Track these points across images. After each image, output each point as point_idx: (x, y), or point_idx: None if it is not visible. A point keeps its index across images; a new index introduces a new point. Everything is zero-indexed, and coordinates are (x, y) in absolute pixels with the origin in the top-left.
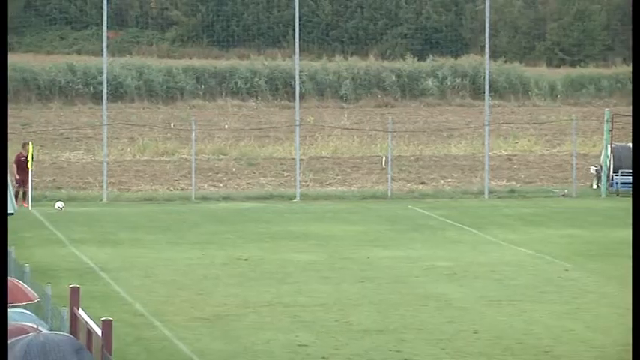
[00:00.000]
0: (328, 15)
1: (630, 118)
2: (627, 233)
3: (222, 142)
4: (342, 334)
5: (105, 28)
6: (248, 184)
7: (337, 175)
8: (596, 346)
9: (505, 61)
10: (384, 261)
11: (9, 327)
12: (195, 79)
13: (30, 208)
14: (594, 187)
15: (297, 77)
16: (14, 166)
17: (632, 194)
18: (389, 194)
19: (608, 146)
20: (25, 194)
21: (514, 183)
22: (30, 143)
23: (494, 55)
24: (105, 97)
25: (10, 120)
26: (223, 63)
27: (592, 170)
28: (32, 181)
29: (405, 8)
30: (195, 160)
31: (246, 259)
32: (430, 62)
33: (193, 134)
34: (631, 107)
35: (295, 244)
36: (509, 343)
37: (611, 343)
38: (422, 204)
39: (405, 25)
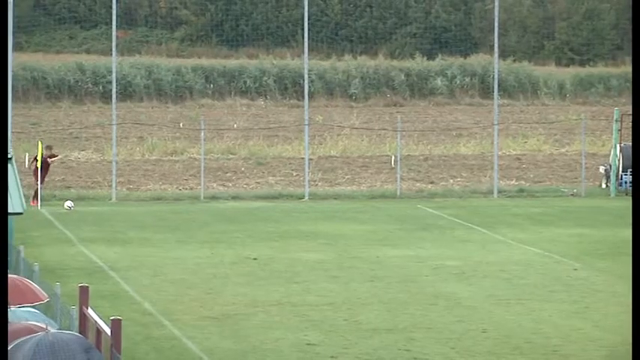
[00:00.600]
0: (337, 14)
1: None
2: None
3: (231, 142)
4: (351, 334)
5: (114, 27)
6: (257, 183)
7: (346, 175)
8: (605, 346)
9: (514, 61)
10: (393, 260)
11: (18, 326)
12: (205, 78)
13: (39, 207)
14: (603, 186)
15: (306, 76)
16: (35, 165)
17: (633, 194)
18: (398, 193)
19: (618, 145)
20: (36, 193)
21: (523, 182)
22: (39, 142)
23: (503, 55)
24: (114, 96)
25: (19, 119)
26: (232, 62)
27: (601, 169)
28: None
29: (414, 7)
30: (205, 159)
31: (255, 259)
32: (439, 61)
33: (202, 133)
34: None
35: (304, 244)
36: (518, 342)
37: (620, 342)
38: (431, 203)
39: (414, 25)
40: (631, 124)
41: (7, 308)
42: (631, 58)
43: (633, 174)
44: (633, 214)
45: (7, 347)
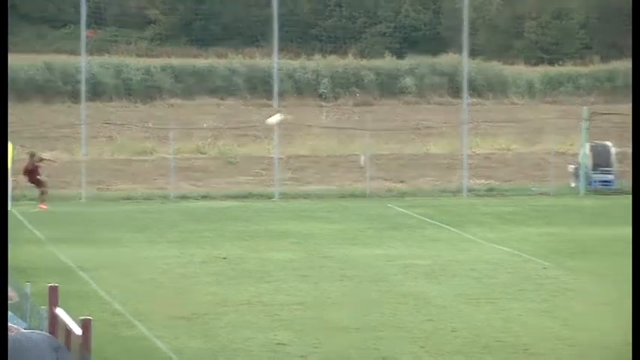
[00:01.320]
0: (307, 13)
1: (609, 117)
2: (605, 231)
3: (200, 141)
4: (321, 333)
5: (83, 26)
6: (227, 182)
7: (316, 174)
8: (574, 344)
9: (483, 60)
10: (363, 259)
11: None
12: (174, 77)
13: (10, 207)
14: (572, 185)
15: (275, 76)
16: (25, 175)
17: (633, 194)
18: (367, 193)
19: (587, 144)
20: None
21: (492, 181)
22: (10, 143)
23: (472, 54)
24: (83, 95)
25: None
26: (202, 62)
27: (570, 168)
28: (13, 180)
29: (383, 7)
30: (174, 159)
31: (224, 258)
32: (409, 61)
33: (172, 133)
34: (610, 105)
35: (274, 243)
36: (488, 341)
37: (589, 341)
38: (400, 202)
39: (383, 24)
40: (600, 122)
41: (7, 308)
42: (601, 56)
43: (633, 174)
44: (633, 213)
45: (7, 347)
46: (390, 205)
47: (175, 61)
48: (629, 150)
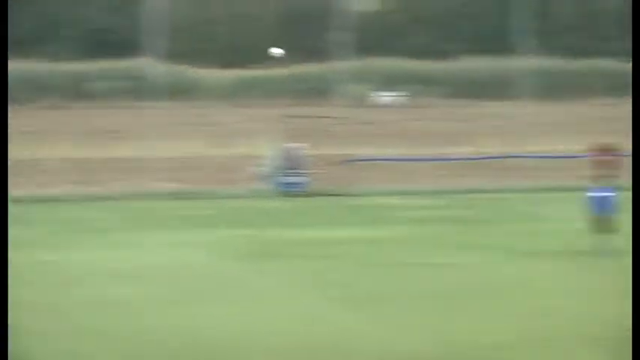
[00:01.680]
0: None
1: (300, 119)
2: (295, 233)
3: None
4: (17, 339)
5: None
6: None
7: (11, 178)
8: (270, 346)
9: (174, 63)
10: (52, 265)
11: None
12: None
13: None
14: (263, 187)
15: None
16: None
17: (632, 194)
18: (59, 197)
19: (277, 147)
20: None
21: (182, 184)
22: None
23: (163, 57)
24: None
25: None
26: None
27: (260, 171)
28: None
29: (72, 10)
30: None
31: None
32: (98, 64)
33: None
34: (301, 108)
35: None
36: (181, 346)
37: (287, 343)
38: (90, 206)
39: (72, 28)
40: (291, 125)
41: (7, 306)
42: (293, 60)
43: (633, 174)
44: (633, 213)
45: (7, 345)
46: (81, 208)
47: None
48: (319, 152)
